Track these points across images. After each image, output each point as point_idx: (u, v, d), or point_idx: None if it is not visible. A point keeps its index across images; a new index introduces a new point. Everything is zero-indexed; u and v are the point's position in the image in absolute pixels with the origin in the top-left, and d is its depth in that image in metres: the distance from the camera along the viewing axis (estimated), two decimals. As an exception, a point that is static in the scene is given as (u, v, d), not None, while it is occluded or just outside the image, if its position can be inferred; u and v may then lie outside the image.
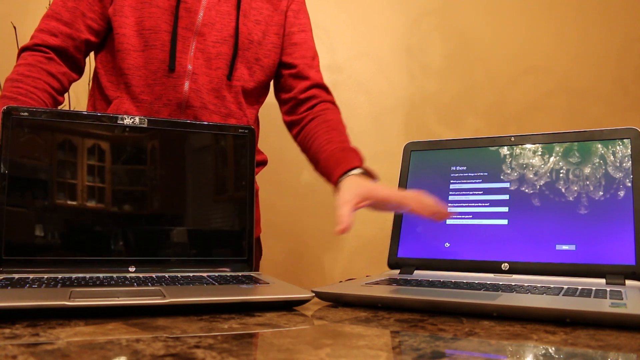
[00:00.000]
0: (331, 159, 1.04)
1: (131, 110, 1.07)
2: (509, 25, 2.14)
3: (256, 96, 1.20)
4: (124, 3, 1.08)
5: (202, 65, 1.10)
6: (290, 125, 1.22)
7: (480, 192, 0.93)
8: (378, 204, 0.92)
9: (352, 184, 0.94)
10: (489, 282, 0.79)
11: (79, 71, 1.13)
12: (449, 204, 0.95)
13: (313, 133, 1.13)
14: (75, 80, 1.13)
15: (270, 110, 1.98)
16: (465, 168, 0.96)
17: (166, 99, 1.08)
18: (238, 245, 0.89)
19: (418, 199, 0.87)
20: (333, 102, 1.20)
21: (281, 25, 1.20)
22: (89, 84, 1.34)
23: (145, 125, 0.87)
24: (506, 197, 0.91)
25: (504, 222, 0.89)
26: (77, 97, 1.60)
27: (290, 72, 1.21)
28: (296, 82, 1.20)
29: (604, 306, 0.60)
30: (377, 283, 0.81)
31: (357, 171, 0.99)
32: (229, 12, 1.14)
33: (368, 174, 1.00)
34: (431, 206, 0.86)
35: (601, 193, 0.84)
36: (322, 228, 1.97)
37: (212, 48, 1.11)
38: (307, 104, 1.19)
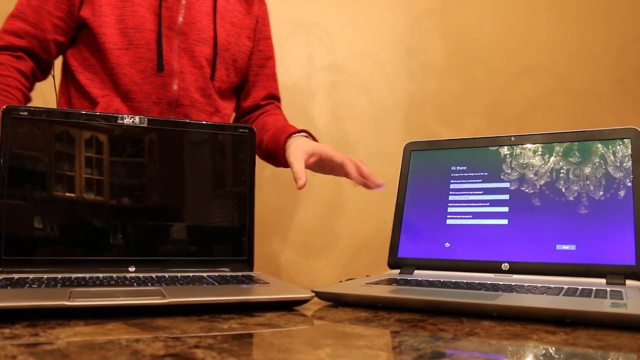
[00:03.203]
0: (277, 130, 1.14)
1: (122, 109, 1.06)
2: (509, 25, 2.14)
3: (230, 95, 1.23)
4: (102, 2, 1.06)
5: (187, 64, 1.11)
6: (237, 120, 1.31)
7: (480, 192, 0.93)
8: (324, 162, 1.04)
9: (300, 143, 1.04)
10: (489, 282, 0.79)
11: (45, 72, 1.12)
12: (449, 204, 0.95)
13: (262, 122, 1.22)
14: (40, 80, 1.11)
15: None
16: (465, 168, 0.96)
17: (156, 97, 1.08)
18: (238, 245, 0.89)
19: (357, 165, 1.01)
20: (280, 108, 1.32)
21: (252, 29, 1.23)
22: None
23: (146, 125, 0.87)
24: (506, 197, 0.91)
25: (504, 222, 0.89)
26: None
27: (250, 80, 1.26)
28: (255, 91, 1.27)
29: (605, 306, 0.60)
30: (377, 283, 0.81)
31: (302, 134, 1.10)
32: (207, 12, 1.15)
33: (311, 137, 1.12)
34: (366, 175, 1.00)
35: (601, 193, 0.84)
36: (322, 227, 1.97)
37: (194, 47, 1.12)
38: (261, 109, 1.27)
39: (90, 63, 1.09)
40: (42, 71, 1.11)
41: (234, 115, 1.29)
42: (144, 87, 1.08)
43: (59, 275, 0.76)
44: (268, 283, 0.77)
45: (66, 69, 1.14)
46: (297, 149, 1.02)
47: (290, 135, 1.08)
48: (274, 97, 1.30)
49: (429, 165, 0.99)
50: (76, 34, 1.11)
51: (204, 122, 0.91)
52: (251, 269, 0.89)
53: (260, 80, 1.27)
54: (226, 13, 1.18)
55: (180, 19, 1.11)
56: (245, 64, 1.23)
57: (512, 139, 0.94)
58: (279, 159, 1.11)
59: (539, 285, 0.76)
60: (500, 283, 0.79)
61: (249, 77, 1.26)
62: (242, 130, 0.93)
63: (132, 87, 1.07)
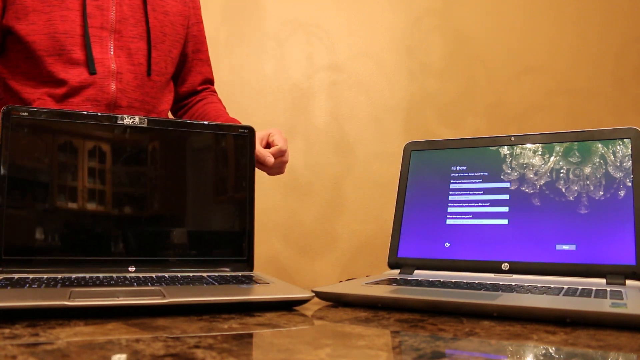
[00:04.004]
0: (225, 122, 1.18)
1: None
2: (509, 26, 2.14)
3: (167, 86, 1.23)
4: (27, 10, 1.03)
5: (125, 63, 1.10)
6: (174, 108, 1.32)
7: (480, 192, 0.93)
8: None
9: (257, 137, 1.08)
10: (489, 282, 0.79)
11: None
12: (449, 204, 0.95)
13: (202, 112, 1.25)
14: None
15: (269, 109, 1.98)
16: (465, 168, 0.96)
17: (94, 99, 1.07)
18: (238, 246, 0.89)
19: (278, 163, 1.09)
20: (216, 93, 1.35)
21: (185, 16, 1.22)
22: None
23: (145, 125, 0.87)
24: (506, 197, 0.91)
25: (504, 222, 0.89)
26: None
27: (186, 66, 1.27)
28: (191, 76, 1.28)
29: (605, 306, 0.60)
30: (377, 283, 0.81)
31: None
32: (139, 6, 1.13)
33: None
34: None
35: (601, 193, 0.84)
36: (322, 227, 1.97)
37: (130, 44, 1.11)
38: (199, 95, 1.30)
39: (22, 70, 1.06)
40: None
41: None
42: (82, 91, 1.06)
43: (59, 275, 0.76)
44: (268, 283, 0.77)
45: None
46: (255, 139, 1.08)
47: None
48: (210, 82, 1.32)
49: (429, 165, 0.99)
50: (2, 42, 1.08)
51: (204, 122, 0.91)
52: (251, 269, 0.89)
53: (196, 65, 1.28)
54: (157, 3, 1.15)
55: (113, 16, 1.08)
56: (180, 52, 1.22)
57: (512, 139, 0.94)
58: None
59: (539, 285, 0.76)
60: (500, 283, 0.79)
61: (184, 64, 1.26)
62: (242, 130, 0.93)
63: (69, 90, 1.05)
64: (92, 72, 1.05)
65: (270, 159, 1.05)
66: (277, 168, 1.10)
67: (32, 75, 1.06)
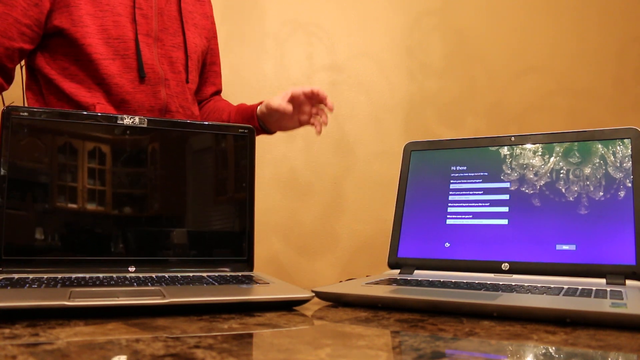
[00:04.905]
0: (241, 105, 1.25)
1: None
2: (509, 26, 2.14)
3: (195, 94, 1.27)
4: (81, 12, 1.04)
5: (168, 70, 1.14)
6: None
7: (480, 192, 0.93)
8: (295, 99, 1.13)
9: (273, 97, 1.14)
10: (489, 282, 0.79)
11: (9, 80, 1.09)
12: (449, 204, 0.95)
13: (214, 107, 1.30)
14: (4, 90, 1.10)
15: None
16: (465, 168, 0.96)
17: (149, 105, 1.10)
18: (238, 246, 0.89)
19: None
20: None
21: (208, 29, 1.27)
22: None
23: (145, 126, 0.87)
24: (506, 197, 0.91)
25: (504, 222, 0.89)
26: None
27: (203, 77, 1.32)
28: (205, 87, 1.33)
29: (605, 306, 0.60)
30: (377, 283, 0.81)
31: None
32: (175, 17, 1.17)
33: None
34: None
35: (601, 193, 0.84)
36: (322, 227, 1.97)
37: (171, 52, 1.15)
38: (208, 100, 1.36)
39: (71, 72, 1.07)
40: (6, 80, 1.08)
41: None
42: (137, 96, 1.09)
43: (59, 275, 0.76)
44: (268, 283, 0.77)
45: (37, 76, 1.11)
46: (272, 98, 1.12)
47: (258, 106, 1.19)
48: (219, 93, 1.38)
49: (429, 165, 0.99)
50: (42, 42, 1.08)
51: (204, 122, 0.91)
52: (251, 269, 0.89)
53: (210, 77, 1.33)
54: (188, 15, 1.20)
55: (155, 25, 1.12)
56: (202, 63, 1.28)
57: (512, 139, 0.94)
58: (250, 119, 1.20)
59: (539, 285, 0.76)
60: (500, 283, 0.79)
61: (201, 75, 1.31)
62: (242, 130, 0.93)
63: (125, 96, 1.08)
64: (142, 75, 1.09)
65: (289, 107, 1.09)
66: (318, 115, 1.14)
67: (82, 77, 1.07)
